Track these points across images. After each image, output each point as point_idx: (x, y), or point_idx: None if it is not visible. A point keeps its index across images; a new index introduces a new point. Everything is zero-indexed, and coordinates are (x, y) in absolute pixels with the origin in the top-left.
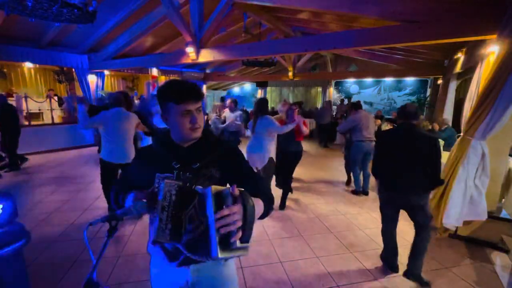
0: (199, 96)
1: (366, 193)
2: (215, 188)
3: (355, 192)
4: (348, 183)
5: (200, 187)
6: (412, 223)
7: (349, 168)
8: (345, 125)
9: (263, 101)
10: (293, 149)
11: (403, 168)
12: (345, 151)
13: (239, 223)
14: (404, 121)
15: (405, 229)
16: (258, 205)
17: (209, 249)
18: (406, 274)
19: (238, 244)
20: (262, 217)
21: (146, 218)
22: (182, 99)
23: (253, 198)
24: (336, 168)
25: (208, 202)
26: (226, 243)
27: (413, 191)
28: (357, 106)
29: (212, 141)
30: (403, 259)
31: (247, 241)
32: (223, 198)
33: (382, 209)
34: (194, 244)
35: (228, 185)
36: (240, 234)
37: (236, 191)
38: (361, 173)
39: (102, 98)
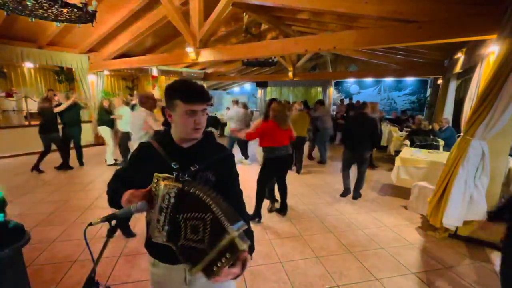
0: (207, 99)
1: (324, 162)
2: (236, 234)
3: (320, 162)
4: (310, 157)
5: (223, 217)
6: (412, 225)
7: (313, 147)
8: (316, 114)
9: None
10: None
11: (360, 137)
12: (313, 135)
13: (221, 279)
14: (358, 111)
15: (406, 230)
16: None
17: (193, 264)
18: (354, 197)
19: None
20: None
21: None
22: (190, 99)
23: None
24: (335, 167)
25: (222, 242)
26: (206, 272)
27: (364, 150)
28: (322, 102)
29: (212, 144)
30: (403, 258)
31: None
32: (234, 249)
33: (344, 162)
34: (186, 250)
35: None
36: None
37: (244, 256)
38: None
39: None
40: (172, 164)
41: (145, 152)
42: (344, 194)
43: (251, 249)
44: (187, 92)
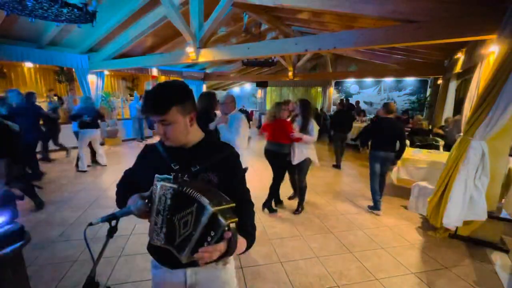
0: (158, 110)
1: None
2: (216, 209)
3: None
4: None
5: (204, 198)
6: (412, 225)
7: None
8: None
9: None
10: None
11: (343, 125)
12: None
13: (213, 257)
14: (342, 107)
15: (406, 230)
16: (241, 243)
17: (181, 252)
18: (337, 166)
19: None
20: (243, 252)
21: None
22: (143, 109)
23: (241, 239)
24: (335, 168)
25: (203, 219)
26: (194, 252)
27: (346, 132)
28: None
29: (215, 144)
30: (403, 258)
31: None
32: (216, 226)
33: (334, 140)
34: (182, 245)
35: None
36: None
37: (228, 234)
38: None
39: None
40: (172, 165)
41: (149, 152)
42: (335, 166)
43: (251, 240)
44: (143, 101)
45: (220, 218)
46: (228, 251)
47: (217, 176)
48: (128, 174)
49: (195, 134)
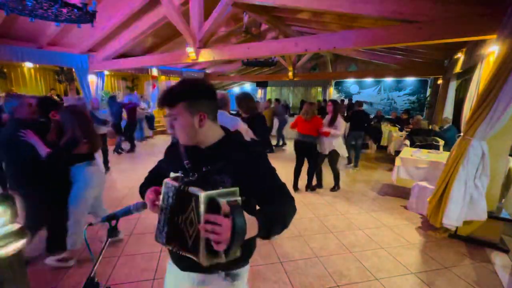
0: (168, 103)
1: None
2: (210, 193)
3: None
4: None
5: (196, 189)
6: (412, 225)
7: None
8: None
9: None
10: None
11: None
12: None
13: (222, 237)
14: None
15: (406, 230)
16: (251, 223)
17: (197, 253)
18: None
19: (222, 257)
20: (264, 236)
21: (149, 218)
22: (158, 102)
23: (249, 217)
24: None
25: (201, 208)
26: (212, 251)
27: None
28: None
29: (235, 144)
30: (403, 258)
31: (231, 255)
32: (216, 206)
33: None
34: (194, 247)
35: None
36: (223, 246)
37: (225, 206)
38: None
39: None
40: (184, 163)
41: (172, 149)
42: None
43: (265, 221)
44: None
45: (216, 198)
46: (235, 225)
47: (231, 178)
48: (156, 166)
49: (209, 134)
